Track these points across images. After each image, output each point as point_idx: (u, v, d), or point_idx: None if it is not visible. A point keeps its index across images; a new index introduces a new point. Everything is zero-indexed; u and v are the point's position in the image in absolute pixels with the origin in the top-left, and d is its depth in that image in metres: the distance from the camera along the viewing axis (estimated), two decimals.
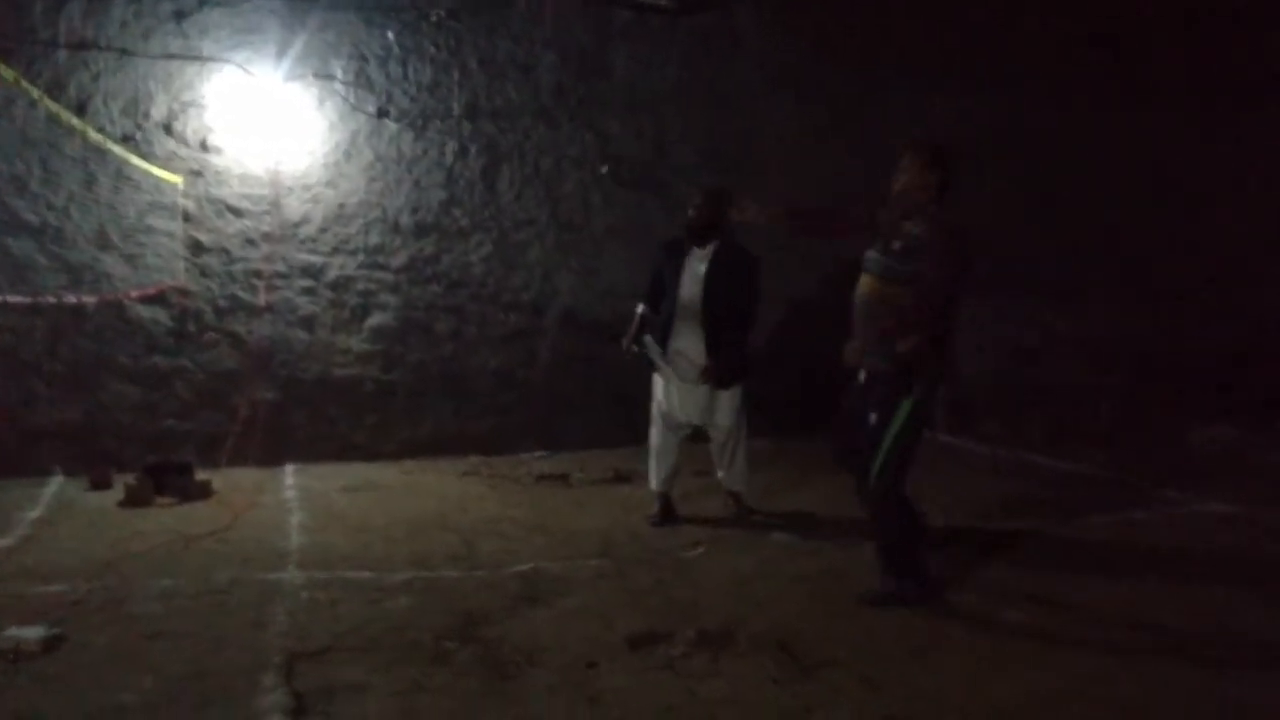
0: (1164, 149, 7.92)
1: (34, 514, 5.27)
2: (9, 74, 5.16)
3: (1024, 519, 5.16)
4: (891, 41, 7.75)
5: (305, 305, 6.80)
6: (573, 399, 7.32)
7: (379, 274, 6.95)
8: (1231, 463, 6.23)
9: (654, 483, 5.23)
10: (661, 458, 5.20)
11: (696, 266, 5.01)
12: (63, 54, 6.18)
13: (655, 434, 5.21)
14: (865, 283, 3.74)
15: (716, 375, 4.94)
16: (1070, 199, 7.84)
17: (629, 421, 6.01)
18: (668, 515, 5.21)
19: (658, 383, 5.17)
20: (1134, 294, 7.76)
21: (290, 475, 6.37)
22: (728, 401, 5.05)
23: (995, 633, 3.54)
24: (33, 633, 3.37)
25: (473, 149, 7.12)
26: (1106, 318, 7.68)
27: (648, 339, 5.09)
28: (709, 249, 5.02)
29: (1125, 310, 7.70)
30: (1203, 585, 4.04)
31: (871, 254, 3.74)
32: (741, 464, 5.20)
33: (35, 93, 5.73)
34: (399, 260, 6.99)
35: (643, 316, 5.20)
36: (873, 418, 3.66)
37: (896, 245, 3.64)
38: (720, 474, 5.27)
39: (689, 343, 5.00)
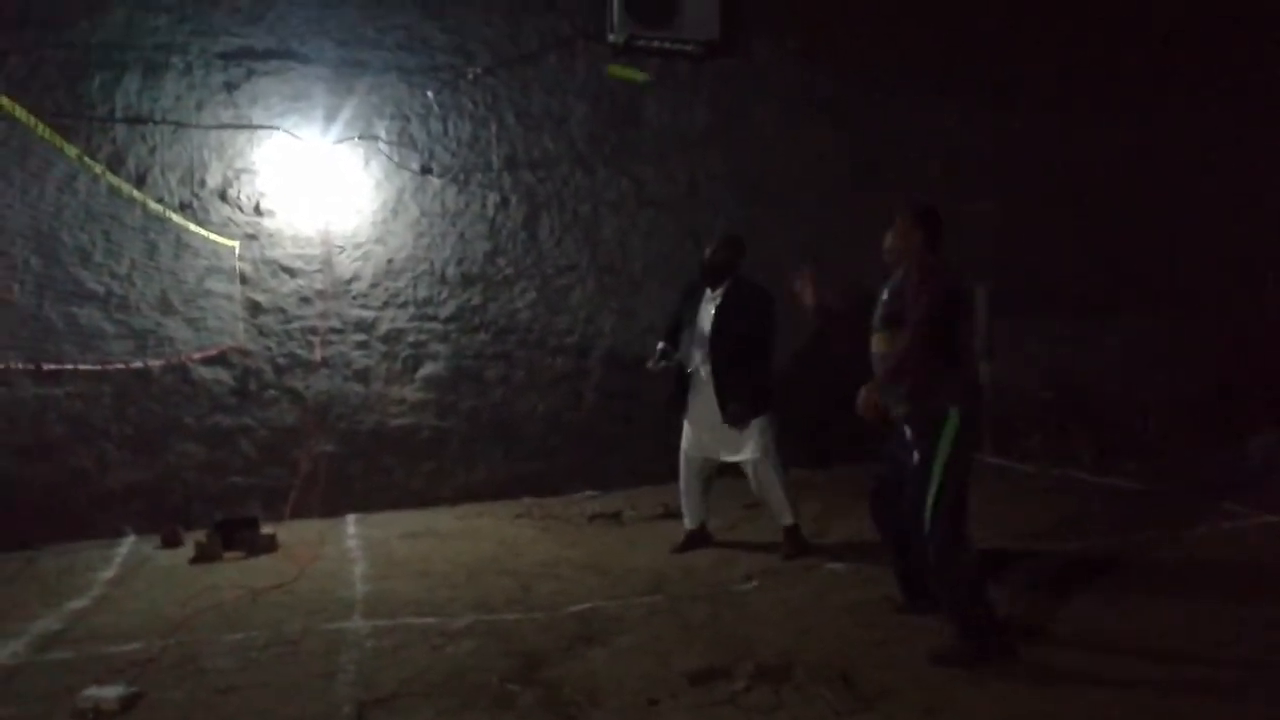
0: (1205, 156, 7.85)
1: (107, 574, 5.40)
2: (72, 151, 5.37)
3: (1078, 539, 5.09)
4: (916, 65, 7.81)
5: (359, 359, 6.97)
6: (620, 438, 7.40)
7: (429, 325, 7.12)
8: None
9: (686, 522, 5.42)
10: (686, 496, 5.36)
11: (708, 307, 5.17)
12: (121, 128, 6.44)
13: (681, 472, 5.37)
14: (873, 341, 3.86)
15: (729, 416, 5.02)
16: (1114, 213, 7.79)
17: (675, 456, 6.05)
18: (690, 545, 5.33)
19: (685, 422, 5.29)
20: (1176, 305, 7.66)
21: (351, 525, 6.49)
22: (750, 437, 5.07)
23: (1056, 659, 3.50)
24: (110, 692, 3.41)
25: (513, 199, 7.30)
26: (1148, 330, 7.58)
27: (662, 346, 5.27)
28: (720, 290, 5.17)
29: (1167, 322, 7.60)
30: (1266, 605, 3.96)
31: (875, 311, 3.90)
32: (779, 496, 5.15)
33: (97, 168, 5.94)
34: (447, 311, 7.16)
35: (663, 351, 5.31)
36: (915, 458, 3.65)
37: (884, 295, 3.83)
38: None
39: (707, 384, 5.13)
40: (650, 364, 5.34)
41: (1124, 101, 7.95)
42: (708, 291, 5.23)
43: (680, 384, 5.29)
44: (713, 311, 5.15)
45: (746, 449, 5.09)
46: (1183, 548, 4.89)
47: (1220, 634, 3.65)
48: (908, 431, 3.69)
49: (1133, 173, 7.92)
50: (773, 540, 5.35)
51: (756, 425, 5.06)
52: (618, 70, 6.37)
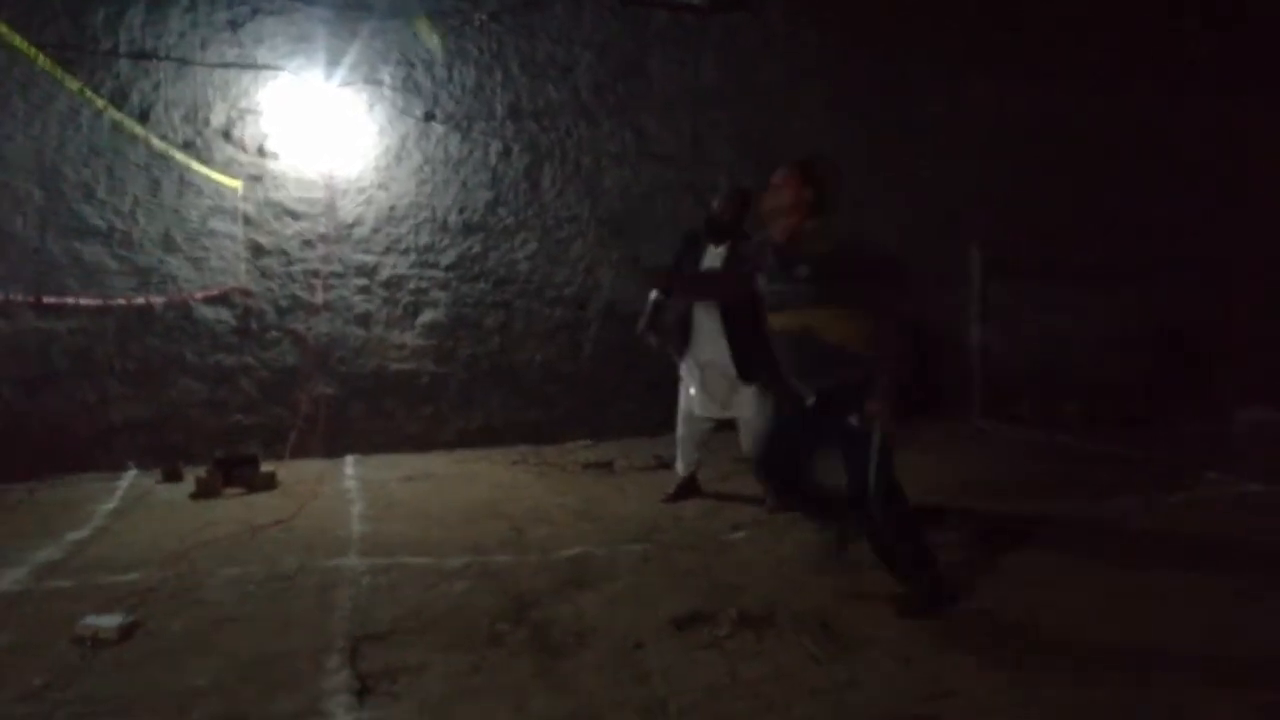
0: (1202, 132, 7.81)
1: (109, 506, 5.48)
2: (74, 84, 5.34)
3: (1059, 502, 5.15)
4: (921, 30, 7.75)
5: (360, 303, 7.01)
6: (616, 389, 7.46)
7: (430, 272, 7.14)
8: (1275, 445, 6.13)
9: (679, 468, 5.47)
10: (684, 447, 5.41)
11: (714, 264, 4.97)
12: (124, 64, 6.40)
13: (680, 425, 5.40)
14: (788, 317, 3.57)
15: (747, 376, 4.93)
16: (1106, 182, 7.78)
17: (669, 409, 6.11)
18: (681, 495, 5.39)
19: (683, 376, 5.28)
20: (1171, 276, 7.67)
21: (350, 465, 6.58)
22: (749, 395, 5.02)
23: (1028, 613, 3.57)
24: (109, 620, 3.46)
25: (516, 149, 7.28)
26: (1143, 300, 7.61)
27: (654, 298, 5.20)
28: (723, 248, 4.98)
29: (1162, 292, 7.62)
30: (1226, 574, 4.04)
31: (775, 287, 3.59)
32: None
33: (100, 102, 5.92)
34: (448, 258, 7.18)
35: (656, 303, 5.26)
36: (853, 420, 3.44)
37: (805, 271, 3.48)
38: None
39: (714, 350, 5.02)
40: (640, 327, 5.32)
41: (1131, 68, 7.88)
42: (710, 248, 5.05)
43: (683, 331, 5.16)
44: (719, 268, 4.97)
45: (742, 406, 5.07)
46: (1159, 513, 4.94)
47: (1178, 600, 3.72)
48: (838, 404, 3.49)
49: (1136, 140, 7.88)
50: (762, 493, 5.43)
51: (757, 384, 5.01)
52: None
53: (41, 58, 4.74)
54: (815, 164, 3.56)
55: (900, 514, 3.56)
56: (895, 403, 3.38)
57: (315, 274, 6.87)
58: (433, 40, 6.19)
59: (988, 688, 2.94)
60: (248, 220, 6.71)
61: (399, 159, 7.03)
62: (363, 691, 3.00)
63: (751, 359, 4.85)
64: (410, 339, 7.12)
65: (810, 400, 3.62)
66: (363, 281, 7.01)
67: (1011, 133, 7.87)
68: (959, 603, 3.65)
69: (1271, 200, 7.79)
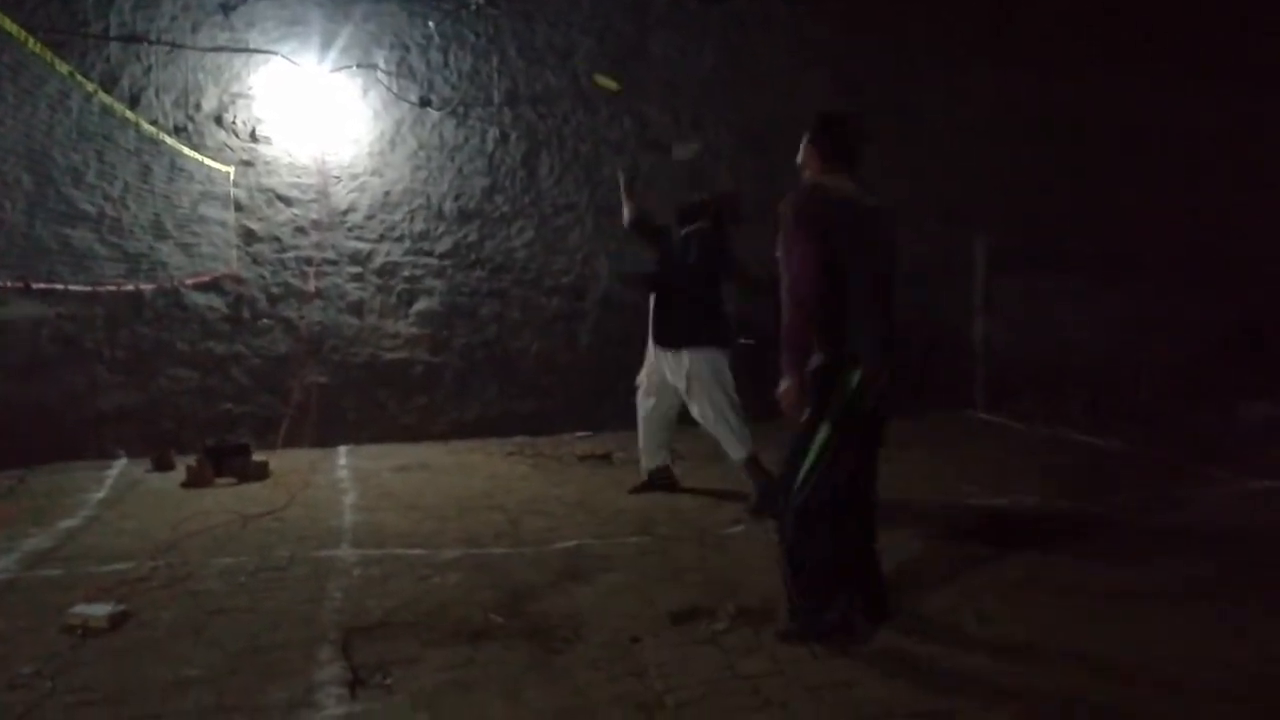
0: (1210, 124, 7.75)
1: (99, 495, 5.45)
2: (64, 68, 5.28)
3: (1061, 497, 5.14)
4: (923, 18, 7.69)
5: (354, 291, 6.95)
6: (614, 380, 7.39)
7: (424, 260, 7.08)
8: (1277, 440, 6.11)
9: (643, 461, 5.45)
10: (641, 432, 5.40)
11: (676, 247, 5.20)
12: (115, 47, 6.35)
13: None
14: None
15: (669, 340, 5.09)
16: (1111, 175, 7.73)
17: None
18: (645, 488, 5.36)
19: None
20: (1177, 270, 7.64)
21: (343, 456, 6.54)
22: (689, 367, 5.03)
23: (1024, 612, 3.54)
24: (100, 609, 3.45)
25: (513, 135, 7.21)
26: (1148, 294, 7.57)
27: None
28: (686, 230, 5.18)
29: (1168, 287, 7.58)
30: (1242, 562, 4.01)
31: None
32: (725, 432, 5.00)
33: (90, 85, 5.86)
34: (443, 246, 7.12)
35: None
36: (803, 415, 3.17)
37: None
38: None
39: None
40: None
41: (1137, 62, 7.83)
42: (678, 230, 5.26)
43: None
44: (677, 252, 5.19)
45: (680, 380, 5.08)
46: (1160, 508, 4.92)
47: (1155, 593, 3.70)
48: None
49: (1144, 133, 7.83)
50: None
51: (695, 357, 5.01)
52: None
53: (31, 41, 4.67)
54: (828, 116, 3.32)
55: (811, 537, 3.15)
56: (796, 386, 3.10)
57: (308, 261, 6.81)
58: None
59: (984, 685, 2.90)
60: (239, 206, 6.65)
61: (393, 145, 6.96)
62: (355, 683, 2.97)
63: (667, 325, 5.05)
64: (404, 328, 7.06)
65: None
66: (356, 269, 6.95)
67: (1013, 122, 7.82)
68: (844, 645, 3.17)
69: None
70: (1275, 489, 5.16)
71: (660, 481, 5.40)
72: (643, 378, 5.35)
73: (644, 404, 5.34)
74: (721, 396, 5.00)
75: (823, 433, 3.12)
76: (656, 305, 5.20)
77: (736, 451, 4.99)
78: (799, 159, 3.33)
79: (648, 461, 5.42)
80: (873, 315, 3.14)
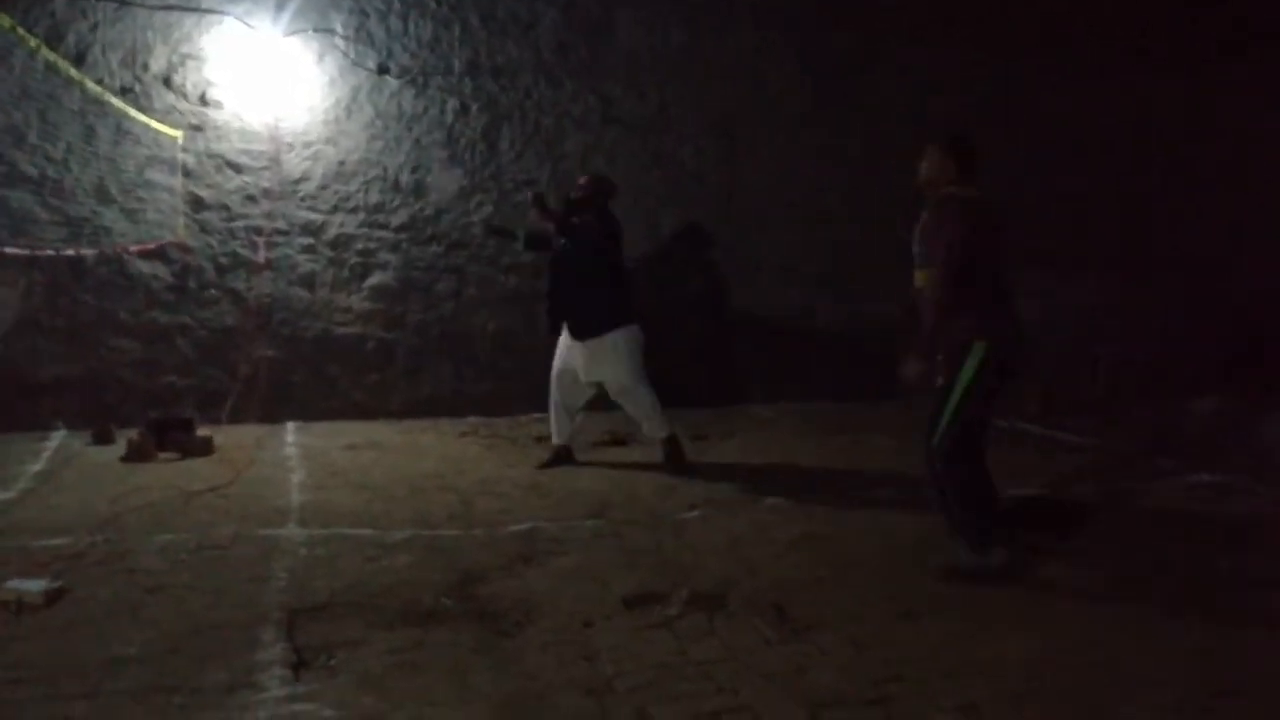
0: (1173, 119, 7.85)
1: (36, 468, 5.36)
2: (5, 20, 5.10)
3: (1015, 487, 5.18)
4: (893, 4, 7.67)
5: (305, 263, 6.82)
6: None
7: (379, 233, 6.96)
8: (1228, 435, 6.24)
9: (554, 437, 5.67)
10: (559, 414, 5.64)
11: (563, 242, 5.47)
12: (60, 2, 6.19)
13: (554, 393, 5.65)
14: (916, 276, 3.98)
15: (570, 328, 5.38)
16: (1073, 167, 7.80)
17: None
18: (555, 462, 5.57)
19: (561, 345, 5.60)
20: (1135, 265, 7.76)
21: (291, 433, 6.45)
22: (612, 359, 5.35)
23: (980, 598, 3.56)
24: (35, 585, 3.41)
25: (474, 107, 7.09)
26: (1106, 288, 7.67)
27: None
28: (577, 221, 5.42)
29: (1126, 281, 7.70)
30: (1187, 547, 4.08)
31: (914, 247, 4.01)
32: (645, 409, 5.44)
33: (33, 42, 5.68)
34: (399, 219, 7.00)
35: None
36: (939, 381, 3.85)
37: (918, 233, 3.96)
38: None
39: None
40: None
41: (1107, 58, 7.89)
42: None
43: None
44: (562, 245, 5.46)
45: (609, 371, 5.36)
46: (1109, 498, 5.00)
47: (1137, 570, 3.75)
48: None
49: (1106, 127, 7.90)
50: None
51: (618, 344, 5.30)
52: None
53: None
54: (958, 136, 3.95)
55: (961, 481, 3.81)
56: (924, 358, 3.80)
57: (258, 231, 6.67)
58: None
59: (935, 673, 2.92)
60: (187, 172, 6.49)
61: (349, 113, 6.82)
62: (298, 665, 2.95)
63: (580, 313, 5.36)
64: (357, 302, 6.94)
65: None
66: (308, 240, 6.81)
67: (978, 113, 7.85)
68: (1004, 585, 3.65)
69: (1246, 189, 7.86)
70: (1221, 482, 5.26)
71: (565, 457, 5.64)
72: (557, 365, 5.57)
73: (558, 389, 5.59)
74: (639, 374, 5.39)
75: (959, 393, 3.74)
76: (562, 299, 5.47)
77: (658, 430, 5.46)
78: (927, 170, 3.92)
79: (560, 438, 5.64)
80: (1002, 298, 3.87)
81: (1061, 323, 7.45)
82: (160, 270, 6.49)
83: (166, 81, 6.42)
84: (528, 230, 5.90)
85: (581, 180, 5.66)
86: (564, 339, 5.49)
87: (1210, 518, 4.63)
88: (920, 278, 3.91)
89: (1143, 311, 7.68)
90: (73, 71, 5.94)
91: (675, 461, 5.44)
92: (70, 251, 6.12)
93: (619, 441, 6.21)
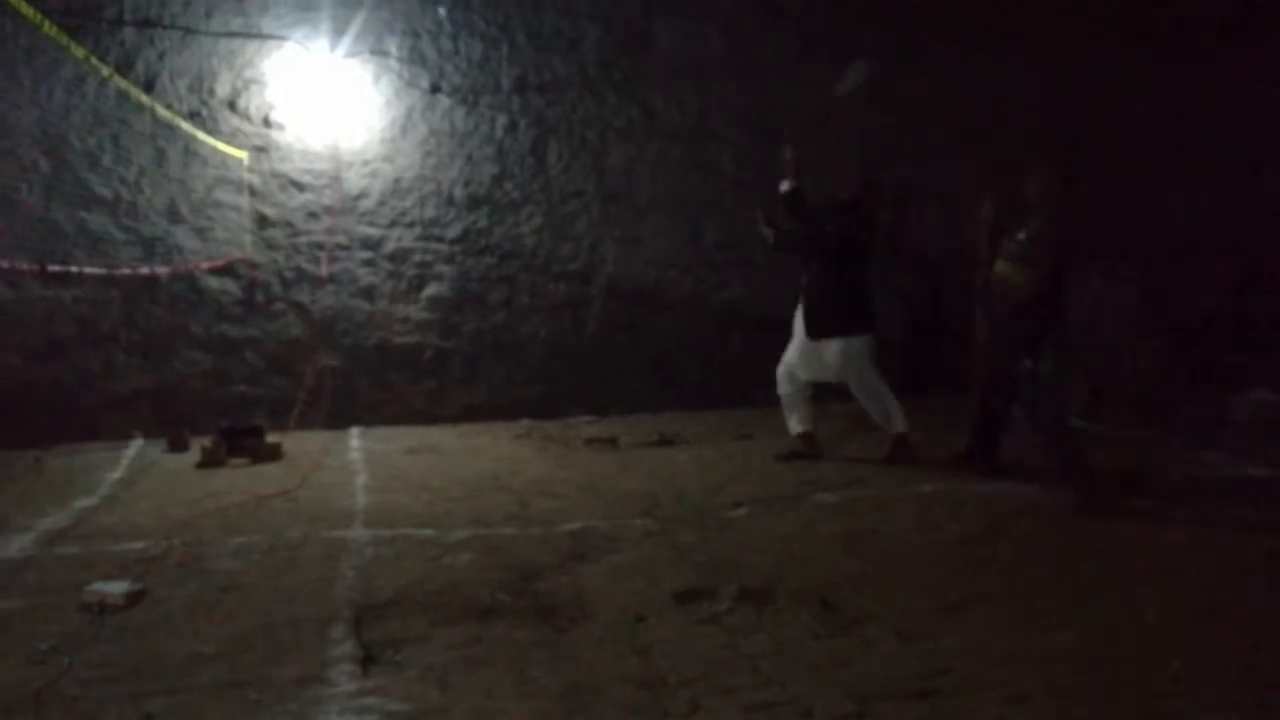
0: (1217, 110, 7.71)
1: (115, 475, 5.52)
2: (80, 51, 5.33)
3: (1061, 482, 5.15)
4: (927, 3, 7.66)
5: (365, 276, 7.01)
6: (619, 365, 7.47)
7: (435, 245, 7.14)
8: (1275, 428, 6.11)
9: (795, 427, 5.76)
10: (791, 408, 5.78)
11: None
12: (129, 32, 6.40)
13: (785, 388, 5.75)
14: (1000, 265, 4.92)
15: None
16: (1114, 160, 7.69)
17: (672, 387, 6.16)
18: (793, 455, 5.65)
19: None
20: (1179, 257, 7.62)
21: (354, 438, 6.61)
22: (843, 358, 5.47)
23: (1026, 590, 3.58)
24: (117, 587, 3.49)
25: (522, 123, 7.25)
26: (1150, 280, 7.55)
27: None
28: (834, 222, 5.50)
29: (1170, 273, 7.57)
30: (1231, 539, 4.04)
31: (1007, 243, 4.91)
32: (874, 407, 5.59)
33: (105, 70, 5.90)
34: (453, 232, 7.17)
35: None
36: (1026, 361, 4.81)
37: (1022, 236, 4.81)
38: None
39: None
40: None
41: (1141, 46, 7.79)
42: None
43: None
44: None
45: (838, 370, 5.49)
46: (1154, 493, 4.93)
47: (1179, 563, 3.74)
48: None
49: (1140, 118, 7.79)
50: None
51: (853, 344, 5.42)
52: None
53: (47, 25, 4.72)
54: (1064, 161, 4.98)
55: (1059, 435, 4.86)
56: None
57: (320, 246, 6.88)
58: None
59: (984, 665, 2.96)
60: (253, 191, 6.71)
61: (404, 131, 7.01)
62: (366, 660, 3.02)
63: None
64: (415, 312, 7.13)
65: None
66: (368, 254, 7.01)
67: (1016, 110, 7.81)
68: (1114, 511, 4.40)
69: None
70: (1272, 476, 5.18)
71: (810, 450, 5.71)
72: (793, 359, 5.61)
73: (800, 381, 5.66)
74: (866, 375, 5.50)
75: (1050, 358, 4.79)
76: (808, 298, 5.50)
77: (896, 425, 5.59)
78: (1036, 185, 4.81)
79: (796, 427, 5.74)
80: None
81: (1103, 315, 7.37)
82: (229, 286, 6.71)
83: (231, 105, 6.65)
84: (779, 233, 5.68)
85: (853, 179, 5.60)
86: (800, 338, 5.57)
87: (1264, 508, 4.57)
88: (1007, 269, 4.80)
89: (1186, 304, 7.54)
90: (143, 98, 6.15)
91: (895, 456, 5.57)
92: (145, 270, 6.34)
93: (667, 441, 6.29)
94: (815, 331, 5.44)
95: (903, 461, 5.52)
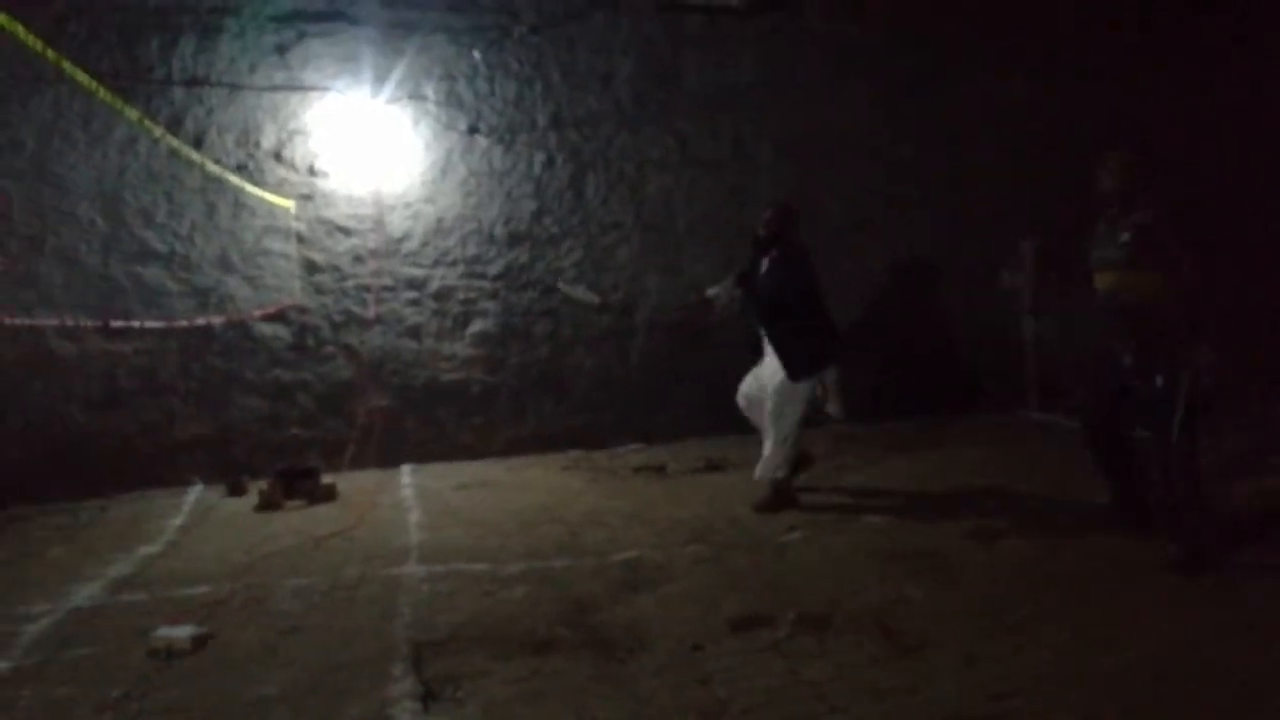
0: (1254, 120, 7.59)
1: (177, 521, 5.63)
2: (133, 114, 5.51)
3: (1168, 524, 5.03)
4: (960, 27, 7.66)
5: (411, 316, 7.11)
6: (664, 393, 7.48)
7: (478, 283, 7.23)
8: None
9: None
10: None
11: (760, 275, 5.30)
12: (178, 91, 6.58)
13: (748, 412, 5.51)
14: (1106, 278, 4.17)
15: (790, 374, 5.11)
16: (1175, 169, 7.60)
17: (718, 412, 6.14)
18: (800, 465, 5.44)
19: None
20: (1221, 263, 7.47)
21: (406, 475, 6.67)
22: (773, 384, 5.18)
23: (1085, 610, 3.53)
24: (182, 631, 3.57)
25: (559, 158, 7.34)
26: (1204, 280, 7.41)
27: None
28: (768, 258, 5.28)
29: (1213, 279, 7.41)
30: None
31: (1100, 253, 4.20)
32: (772, 453, 5.21)
33: (157, 130, 6.09)
34: (496, 269, 7.26)
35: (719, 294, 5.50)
36: (1158, 381, 3.98)
37: (1125, 237, 4.08)
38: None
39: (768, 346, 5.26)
40: (711, 293, 5.52)
41: (1172, 55, 7.70)
42: (761, 259, 5.32)
43: (752, 341, 5.42)
44: (762, 279, 5.27)
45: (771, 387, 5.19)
46: (1237, 500, 4.83)
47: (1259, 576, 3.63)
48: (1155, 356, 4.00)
49: (1191, 127, 7.68)
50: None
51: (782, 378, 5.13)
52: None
53: (101, 89, 4.90)
54: (1144, 150, 4.23)
55: (1190, 470, 3.93)
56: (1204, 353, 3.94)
57: (367, 288, 7.00)
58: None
59: (1053, 686, 2.91)
60: (300, 238, 6.85)
61: (444, 173, 7.13)
62: (427, 697, 3.05)
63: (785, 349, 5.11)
64: (461, 349, 7.21)
65: (1126, 356, 4.09)
66: (413, 294, 7.12)
67: (1052, 126, 7.76)
68: (1214, 570, 3.80)
69: None
70: None
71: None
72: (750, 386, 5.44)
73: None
74: (786, 418, 5.16)
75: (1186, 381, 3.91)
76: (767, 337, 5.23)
77: (776, 469, 5.21)
78: (1114, 176, 4.18)
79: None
80: None
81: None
82: (281, 331, 6.84)
83: (277, 156, 6.81)
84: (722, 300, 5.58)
85: (766, 214, 5.37)
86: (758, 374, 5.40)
87: None
88: (1116, 279, 4.08)
89: (1234, 308, 7.38)
90: (193, 154, 6.30)
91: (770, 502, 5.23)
92: (201, 321, 6.48)
93: (715, 467, 6.29)
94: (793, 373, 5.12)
95: (773, 508, 5.13)
